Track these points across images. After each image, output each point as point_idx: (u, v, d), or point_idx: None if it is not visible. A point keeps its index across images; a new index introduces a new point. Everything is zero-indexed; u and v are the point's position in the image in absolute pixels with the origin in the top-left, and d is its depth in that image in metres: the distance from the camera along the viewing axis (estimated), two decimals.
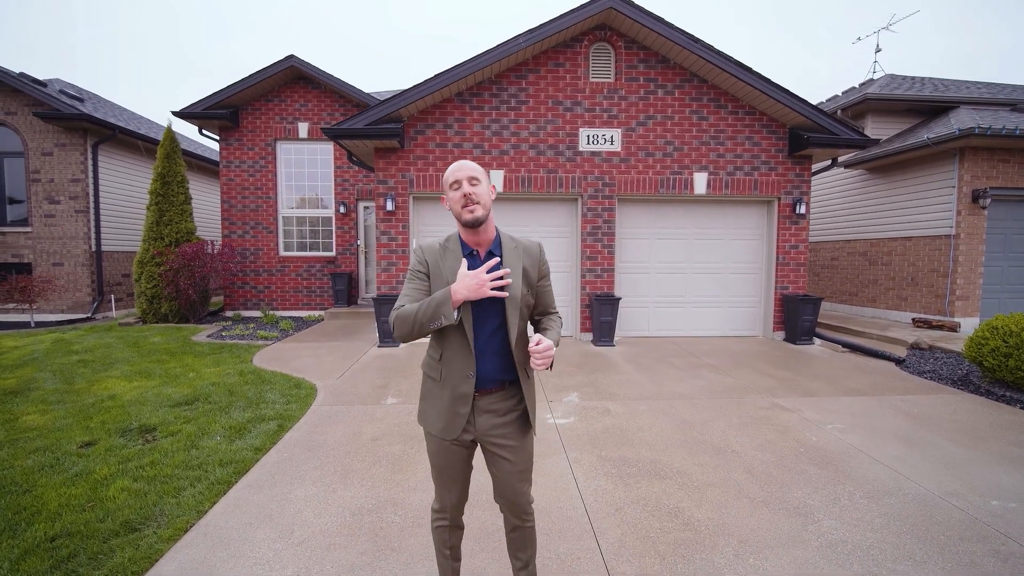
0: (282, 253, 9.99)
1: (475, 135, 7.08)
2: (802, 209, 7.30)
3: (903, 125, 9.62)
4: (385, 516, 2.66)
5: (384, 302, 6.62)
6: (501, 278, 1.54)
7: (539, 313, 1.83)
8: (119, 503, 2.76)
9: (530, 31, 6.58)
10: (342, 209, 9.90)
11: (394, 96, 6.56)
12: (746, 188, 7.30)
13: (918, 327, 8.04)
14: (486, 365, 1.67)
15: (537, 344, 1.52)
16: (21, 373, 5.26)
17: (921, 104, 9.42)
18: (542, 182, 7.11)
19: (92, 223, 9.56)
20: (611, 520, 2.62)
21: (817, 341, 7.12)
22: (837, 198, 10.29)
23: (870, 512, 2.71)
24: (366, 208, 10.09)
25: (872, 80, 11.41)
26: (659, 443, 3.62)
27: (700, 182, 7.24)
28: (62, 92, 10.06)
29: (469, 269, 1.61)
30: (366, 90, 11.08)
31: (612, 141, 7.14)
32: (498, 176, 7.06)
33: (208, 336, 7.33)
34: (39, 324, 8.84)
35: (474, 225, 1.64)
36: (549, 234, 7.38)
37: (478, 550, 2.37)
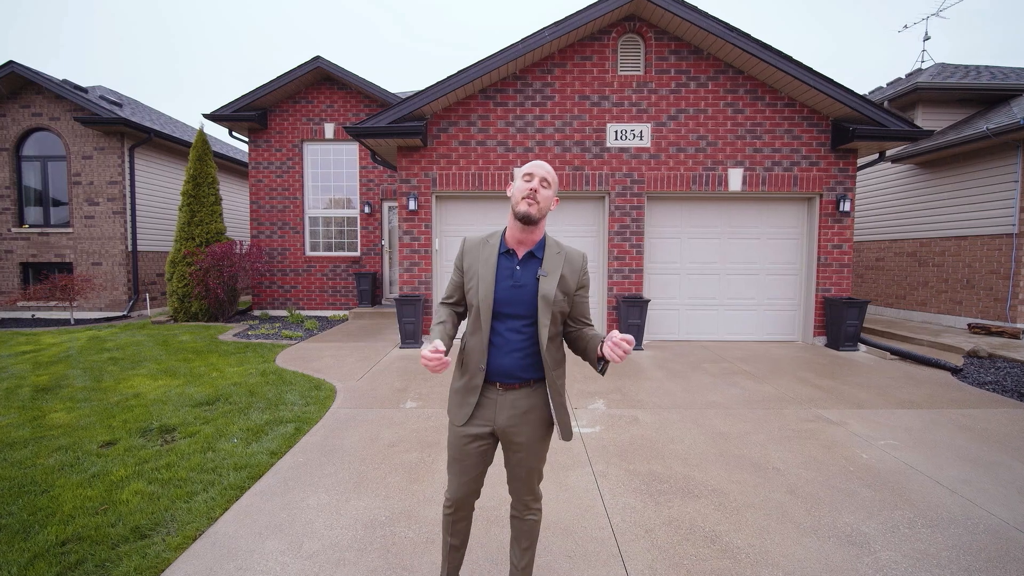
0: (308, 253, 10.07)
1: (499, 132, 6.93)
2: (846, 206, 6.85)
3: (956, 116, 8.97)
4: (398, 531, 2.51)
5: (406, 303, 6.53)
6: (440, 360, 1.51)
7: (574, 322, 1.79)
8: (132, 507, 2.71)
9: (556, 24, 6.38)
10: (367, 209, 9.91)
11: (417, 93, 6.47)
12: (785, 184, 6.90)
13: (975, 333, 7.45)
14: (507, 361, 1.68)
15: (617, 337, 1.46)
16: (55, 370, 5.38)
17: (978, 93, 8.76)
18: (568, 180, 6.90)
19: (128, 224, 9.85)
20: (641, 544, 2.40)
21: (862, 347, 6.66)
22: (882, 195, 9.69)
23: (934, 543, 2.41)
24: (390, 208, 10.07)
25: (920, 70, 10.72)
26: (692, 457, 3.37)
27: (735, 178, 6.88)
28: (102, 98, 10.43)
29: (502, 267, 1.69)
30: (391, 91, 11.08)
31: (641, 136, 6.86)
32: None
33: (234, 335, 7.41)
34: (78, 321, 9.15)
35: (525, 220, 1.66)
36: (575, 233, 7.16)
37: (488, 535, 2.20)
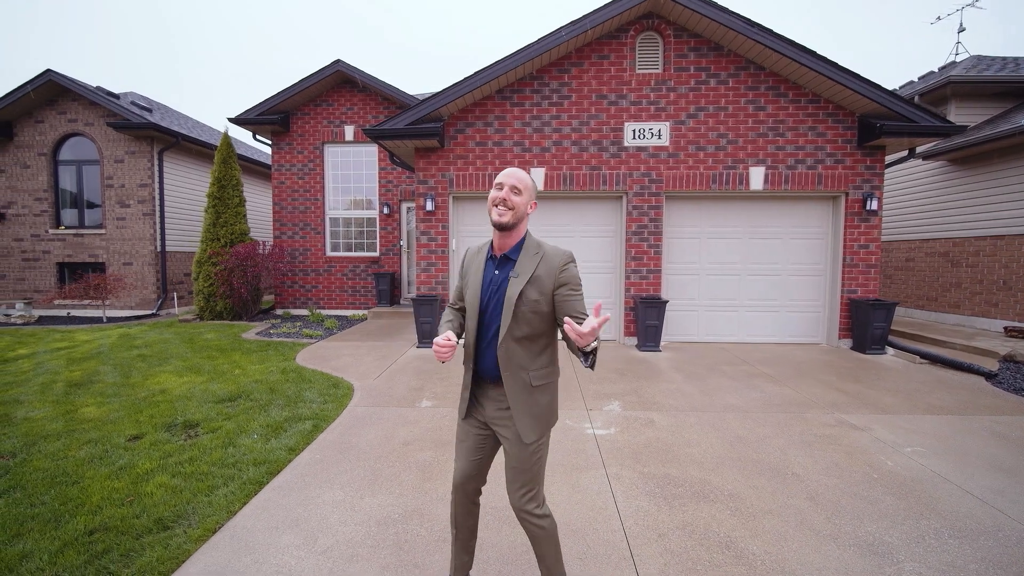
0: (329, 253, 10.25)
1: (515, 132, 6.93)
2: (873, 205, 6.65)
3: (992, 111, 8.61)
4: (411, 528, 2.53)
5: (423, 303, 6.59)
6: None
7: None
8: (156, 499, 2.79)
9: (573, 23, 6.35)
10: (385, 210, 10.03)
11: (434, 95, 6.52)
12: (809, 183, 6.73)
13: (1011, 337, 7.14)
14: (487, 360, 1.81)
15: (580, 324, 1.54)
16: (87, 366, 5.60)
17: (1017, 86, 8.39)
18: (585, 179, 6.86)
19: (157, 225, 10.18)
20: (653, 548, 2.37)
21: (890, 350, 6.45)
22: (912, 193, 9.36)
23: (962, 555, 2.31)
24: (409, 209, 10.17)
25: (954, 63, 10.32)
26: (708, 461, 3.31)
27: (757, 177, 6.74)
28: (133, 103, 10.79)
29: (487, 272, 1.84)
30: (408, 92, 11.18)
31: (660, 135, 6.78)
32: (539, 174, 6.87)
33: (257, 333, 7.58)
34: (110, 319, 9.50)
35: (499, 228, 1.78)
36: (592, 233, 7.12)
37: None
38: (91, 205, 10.43)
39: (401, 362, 5.89)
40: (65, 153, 10.37)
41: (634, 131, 6.80)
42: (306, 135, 10.08)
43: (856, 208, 6.75)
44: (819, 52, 6.24)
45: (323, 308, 10.17)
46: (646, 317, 6.42)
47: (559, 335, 1.74)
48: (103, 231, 10.24)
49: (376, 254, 10.19)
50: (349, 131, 10.00)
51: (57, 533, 2.48)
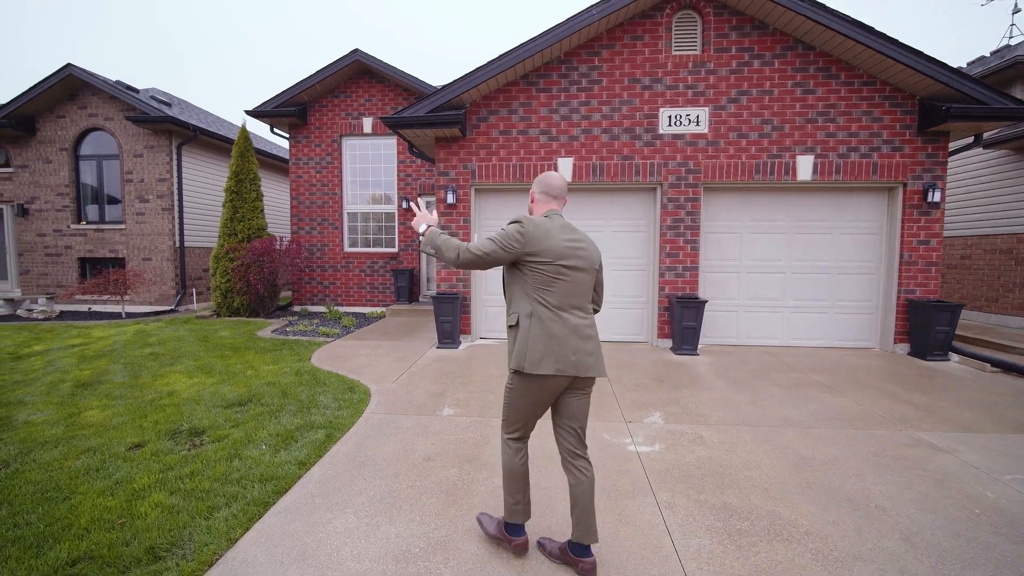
0: (347, 249, 9.99)
1: (542, 120, 6.51)
2: (935, 197, 6.05)
3: None
4: (434, 567, 2.17)
5: (443, 301, 6.24)
6: None
7: None
8: (149, 522, 2.49)
9: (604, 1, 5.89)
10: (404, 204, 9.72)
11: (455, 81, 6.14)
12: (862, 173, 6.16)
13: None
14: None
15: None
16: (97, 365, 5.40)
17: None
18: (616, 170, 6.41)
19: (176, 220, 10.06)
20: None
21: (954, 357, 5.86)
22: (967, 185, 8.65)
23: None
24: (428, 203, 9.84)
25: (1008, 47, 9.56)
26: (773, 487, 2.87)
27: (804, 166, 6.20)
28: (152, 98, 10.70)
29: None
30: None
31: (698, 121, 6.28)
32: (566, 164, 6.45)
33: (272, 331, 7.35)
34: (129, 315, 9.41)
35: None
36: (622, 228, 6.66)
37: None
38: (111, 200, 10.37)
39: (421, 364, 5.55)
40: (86, 148, 10.33)
41: (670, 117, 6.31)
42: (324, 127, 9.83)
43: (915, 200, 6.16)
44: (876, 28, 5.66)
45: (341, 305, 9.93)
46: (683, 318, 5.95)
47: (526, 291, 2.11)
48: (123, 226, 10.17)
49: (395, 250, 9.90)
50: (367, 123, 9.71)
51: (37, 563, 2.18)
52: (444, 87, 6.17)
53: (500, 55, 6.06)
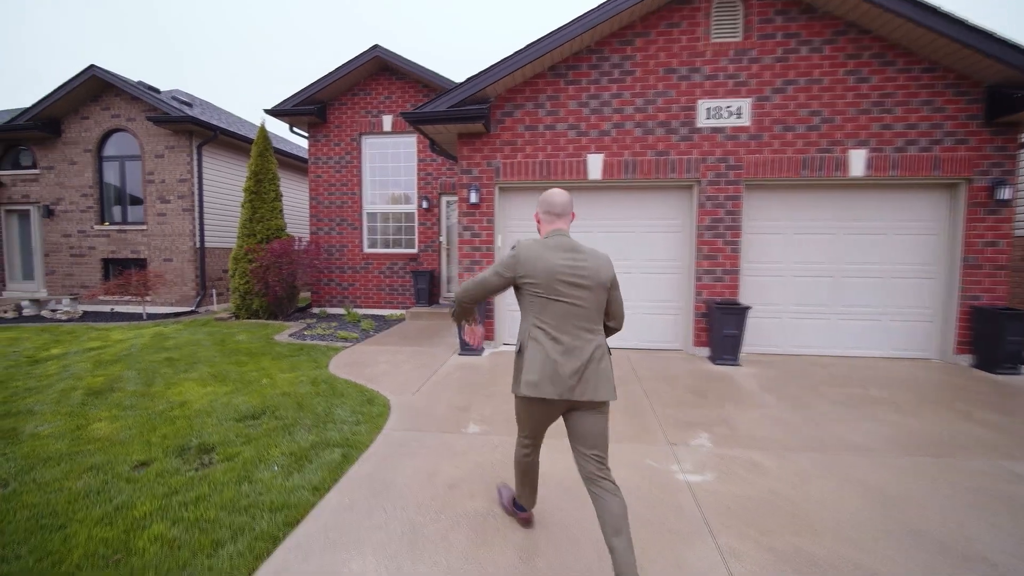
0: (366, 250, 9.79)
1: (570, 114, 6.15)
2: (1005, 194, 5.50)
3: None
4: None
5: None
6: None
7: None
8: (147, 559, 2.24)
9: None
10: (424, 204, 9.47)
11: (479, 73, 5.83)
12: (923, 168, 5.64)
13: None
14: None
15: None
16: (112, 371, 5.25)
17: None
18: (650, 166, 6.01)
19: (196, 221, 9.99)
20: None
21: None
22: None
23: None
24: (449, 203, 9.57)
25: None
26: (851, 529, 2.48)
27: (857, 161, 5.71)
28: (174, 98, 10.66)
29: None
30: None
31: (739, 114, 5.85)
32: (596, 161, 6.08)
33: (290, 335, 7.15)
34: (150, 316, 9.36)
35: None
36: (656, 228, 6.26)
37: None
38: (134, 201, 10.37)
39: (443, 372, 5.25)
40: (109, 149, 10.35)
41: (708, 110, 5.89)
42: (343, 126, 9.63)
43: (981, 198, 5.61)
44: (940, 8, 5.15)
45: (360, 307, 9.72)
46: (723, 325, 5.53)
47: (527, 314, 2.09)
48: (144, 227, 10.15)
49: (414, 251, 9.65)
50: (387, 121, 9.48)
51: None
52: (467, 80, 5.86)
53: (526, 45, 5.73)
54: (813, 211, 6.02)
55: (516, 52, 5.74)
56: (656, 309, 6.32)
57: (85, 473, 3.06)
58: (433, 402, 4.34)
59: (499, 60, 5.80)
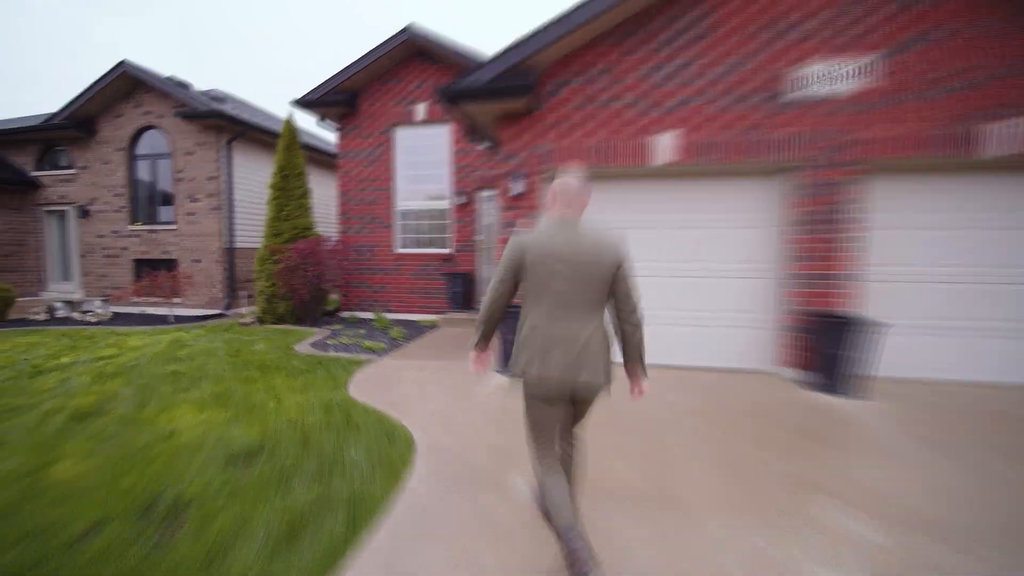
0: (397, 250, 9.07)
1: (631, 87, 5.15)
2: None
3: None
4: None
5: (508, 315, 5.02)
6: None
7: None
8: None
9: None
10: (460, 199, 8.65)
11: (524, 39, 4.91)
12: None
13: None
14: None
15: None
16: (109, 387, 4.66)
17: None
18: (735, 147, 4.91)
19: (225, 220, 9.58)
20: None
21: None
22: None
23: None
24: (487, 198, 8.71)
25: None
26: None
27: (1018, 135, 4.43)
28: (204, 94, 10.31)
29: None
30: None
31: (853, 78, 4.67)
32: (664, 142, 5.05)
33: (312, 345, 6.47)
34: (177, 318, 8.99)
35: None
36: (729, 223, 5.17)
37: None
38: (165, 201, 10.09)
39: (479, 400, 4.37)
40: (140, 148, 10.12)
41: (812, 74, 4.74)
42: (375, 116, 8.95)
43: None
44: None
45: (391, 311, 9.01)
46: (827, 345, 4.38)
47: (526, 299, 2.16)
48: (175, 227, 9.84)
49: (449, 251, 8.85)
50: (420, 109, 8.72)
51: None
52: (510, 48, 4.95)
53: (580, 4, 4.76)
54: (949, 198, 4.75)
55: (567, 13, 4.79)
56: (725, 321, 5.23)
57: (20, 542, 2.35)
58: (467, 441, 3.46)
59: (546, 23, 4.87)
